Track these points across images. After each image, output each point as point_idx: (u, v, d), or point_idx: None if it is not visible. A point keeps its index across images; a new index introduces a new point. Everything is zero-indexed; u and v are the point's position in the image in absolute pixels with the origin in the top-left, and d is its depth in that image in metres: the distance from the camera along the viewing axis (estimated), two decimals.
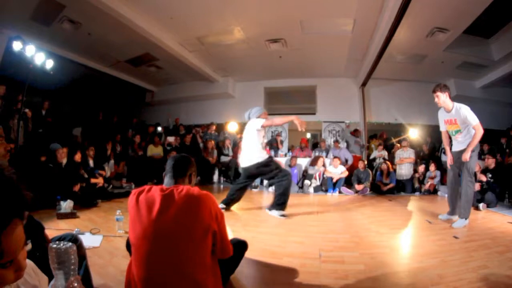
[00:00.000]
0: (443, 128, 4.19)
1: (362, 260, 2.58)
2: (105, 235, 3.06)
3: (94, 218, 4.03)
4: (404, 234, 3.66)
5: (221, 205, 4.34)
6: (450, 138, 4.22)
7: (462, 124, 3.88)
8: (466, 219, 3.83)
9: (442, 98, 3.90)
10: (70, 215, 3.95)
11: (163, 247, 1.51)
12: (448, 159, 4.21)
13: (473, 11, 6.02)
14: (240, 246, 2.08)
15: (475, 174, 5.70)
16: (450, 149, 4.19)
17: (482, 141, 7.59)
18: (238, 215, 4.77)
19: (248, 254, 2.22)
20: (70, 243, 1.08)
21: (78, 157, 5.78)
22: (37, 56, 5.78)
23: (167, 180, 1.73)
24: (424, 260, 2.58)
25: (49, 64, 6.12)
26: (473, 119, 3.75)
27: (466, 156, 3.79)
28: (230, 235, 1.81)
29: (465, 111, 3.78)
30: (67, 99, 10.28)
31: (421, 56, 8.36)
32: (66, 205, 4.00)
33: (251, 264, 2.43)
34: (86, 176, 5.75)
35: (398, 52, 8.12)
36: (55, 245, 1.04)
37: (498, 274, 2.30)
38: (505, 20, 6.94)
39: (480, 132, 3.76)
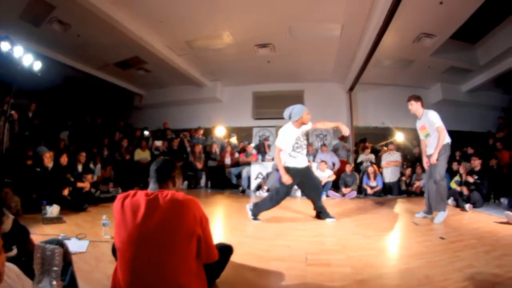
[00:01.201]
0: (421, 136, 4.58)
1: (348, 263, 2.56)
2: (91, 240, 3.02)
3: (80, 223, 3.95)
4: (390, 236, 3.66)
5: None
6: None
7: (430, 128, 4.26)
8: (444, 211, 4.11)
9: (415, 106, 4.39)
10: (56, 220, 3.89)
11: (148, 251, 1.52)
12: (424, 162, 4.54)
13: (459, 17, 6.15)
14: (226, 250, 2.08)
15: (461, 175, 5.91)
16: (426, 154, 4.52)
17: (466, 144, 7.89)
18: (226, 220, 4.74)
19: (234, 258, 2.21)
20: (57, 246, 1.07)
21: (64, 160, 5.66)
22: (25, 57, 5.65)
23: (151, 185, 1.73)
24: (410, 261, 2.58)
25: (37, 65, 5.99)
26: (437, 121, 4.15)
27: (433, 158, 4.12)
28: (216, 239, 1.82)
29: (431, 114, 4.21)
30: (55, 102, 10.06)
31: (408, 61, 8.47)
32: (52, 210, 3.94)
33: (237, 268, 2.38)
34: (72, 180, 5.63)
35: (385, 57, 8.22)
36: (42, 244, 1.03)
37: (484, 272, 2.32)
38: (490, 26, 7.14)
39: (443, 134, 4.10)
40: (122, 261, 1.57)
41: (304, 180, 4.23)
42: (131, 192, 1.66)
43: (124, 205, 1.60)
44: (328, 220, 4.27)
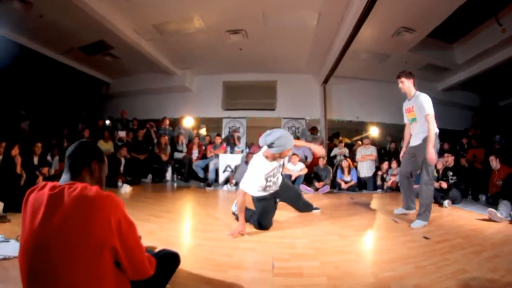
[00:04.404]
0: (405, 119, 4.09)
1: (324, 271, 2.16)
2: None
3: None
4: (370, 237, 3.29)
5: None
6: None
7: (419, 113, 3.70)
8: (425, 221, 3.58)
9: (407, 84, 3.80)
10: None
11: (45, 265, 1.13)
12: (402, 151, 4.17)
13: (441, 12, 5.96)
14: (169, 260, 1.63)
15: (438, 171, 5.70)
16: (408, 144, 4.05)
17: (442, 141, 7.83)
18: (188, 218, 4.26)
19: (188, 266, 1.85)
20: None
21: (15, 152, 5.06)
22: None
23: (63, 175, 1.32)
24: (396, 267, 2.22)
25: None
26: (428, 108, 3.55)
27: (430, 156, 3.47)
28: (169, 243, 1.40)
29: (423, 98, 3.63)
30: (12, 88, 9.18)
31: (385, 55, 8.26)
32: None
33: (188, 280, 1.92)
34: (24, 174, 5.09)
35: (362, 50, 7.97)
36: None
37: (479, 278, 2.04)
38: (469, 27, 7.17)
39: (432, 125, 3.51)
40: (21, 275, 1.19)
41: (279, 193, 3.61)
42: (41, 184, 1.26)
43: (27, 202, 1.23)
44: (314, 211, 4.18)
